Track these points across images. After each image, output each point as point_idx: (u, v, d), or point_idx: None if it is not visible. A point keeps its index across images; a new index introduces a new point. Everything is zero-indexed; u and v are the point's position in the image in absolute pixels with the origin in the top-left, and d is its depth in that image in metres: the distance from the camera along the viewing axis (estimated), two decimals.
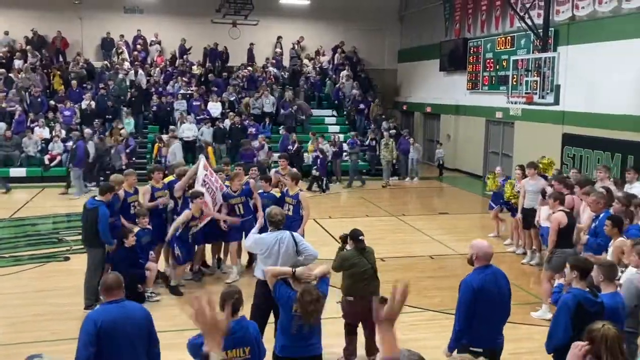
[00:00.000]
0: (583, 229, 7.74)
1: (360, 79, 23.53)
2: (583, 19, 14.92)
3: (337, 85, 22.95)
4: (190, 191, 8.56)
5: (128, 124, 18.86)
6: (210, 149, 17.20)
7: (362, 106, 21.85)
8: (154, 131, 19.26)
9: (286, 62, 24.45)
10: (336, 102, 22.81)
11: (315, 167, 17.24)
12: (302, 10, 23.94)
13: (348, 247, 6.40)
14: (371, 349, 6.29)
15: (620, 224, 6.58)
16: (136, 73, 20.92)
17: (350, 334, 6.41)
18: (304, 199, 8.69)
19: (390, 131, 19.72)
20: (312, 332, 4.89)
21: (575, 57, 14.85)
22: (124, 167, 15.27)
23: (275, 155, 14.95)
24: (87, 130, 17.00)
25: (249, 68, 22.96)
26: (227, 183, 9.26)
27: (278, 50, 24.41)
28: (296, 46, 24.50)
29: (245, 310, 4.60)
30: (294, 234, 6.09)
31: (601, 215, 7.20)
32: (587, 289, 4.66)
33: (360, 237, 6.26)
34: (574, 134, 15.05)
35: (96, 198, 7.89)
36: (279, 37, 24.62)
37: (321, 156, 17.25)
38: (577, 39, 14.99)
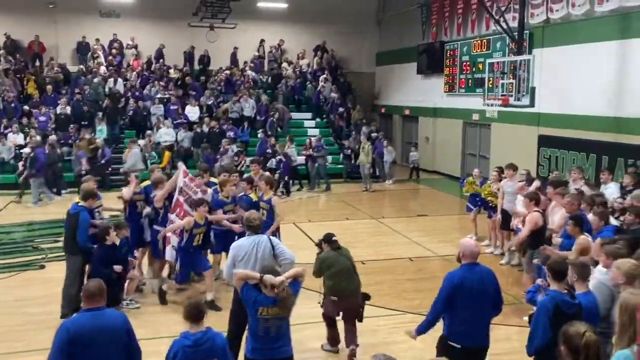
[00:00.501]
0: (555, 230, 7.83)
1: (339, 83, 23.60)
2: (557, 22, 15.15)
3: (317, 89, 23.00)
4: (192, 199, 8.42)
5: (101, 131, 18.60)
6: (167, 154, 16.92)
7: (341, 109, 21.91)
8: (131, 136, 19.06)
9: (266, 65, 24.43)
10: (316, 105, 22.85)
11: (278, 170, 17.15)
12: (280, 13, 23.93)
13: (325, 250, 6.68)
14: (350, 341, 6.52)
15: (581, 223, 6.72)
16: (115, 81, 20.51)
17: (332, 325, 6.74)
18: (277, 203, 8.71)
19: (372, 134, 19.82)
20: (280, 335, 4.92)
21: (550, 59, 15.07)
22: (83, 172, 14.89)
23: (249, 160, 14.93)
24: (52, 137, 16.76)
25: (227, 72, 22.87)
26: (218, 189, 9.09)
27: (256, 53, 24.33)
28: (274, 50, 24.47)
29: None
30: (272, 238, 6.09)
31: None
32: (565, 290, 4.73)
33: (334, 239, 6.63)
34: (549, 135, 15.26)
35: (79, 204, 7.78)
36: (262, 41, 24.60)
37: (284, 160, 17.20)
38: (552, 42, 15.22)
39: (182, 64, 23.14)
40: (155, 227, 8.59)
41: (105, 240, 7.54)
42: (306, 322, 6.98)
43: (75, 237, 7.55)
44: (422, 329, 5.20)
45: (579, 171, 10.26)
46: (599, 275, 5.42)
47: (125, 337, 4.32)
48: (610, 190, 9.62)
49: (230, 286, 6.88)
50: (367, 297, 6.73)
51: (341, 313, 6.59)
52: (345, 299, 6.42)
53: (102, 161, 16.90)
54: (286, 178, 17.20)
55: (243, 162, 17.11)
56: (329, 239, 6.65)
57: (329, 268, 6.46)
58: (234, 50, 23.85)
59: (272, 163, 17.64)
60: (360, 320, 6.59)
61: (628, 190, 9.60)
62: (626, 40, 12.99)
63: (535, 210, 7.87)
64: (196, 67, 23.60)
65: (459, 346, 4.93)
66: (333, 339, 6.77)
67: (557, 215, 7.93)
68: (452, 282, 5.00)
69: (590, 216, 7.26)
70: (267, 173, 10.33)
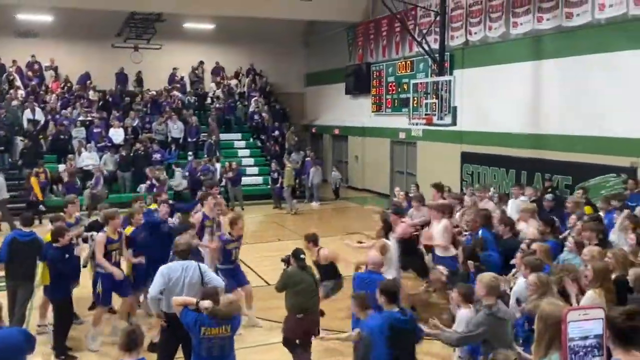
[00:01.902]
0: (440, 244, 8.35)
1: (274, 109, 23.56)
2: (476, 44, 15.84)
3: (250, 110, 22.91)
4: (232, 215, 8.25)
5: None
6: (33, 179, 16.01)
7: (276, 133, 21.84)
8: (51, 161, 18.23)
9: (195, 86, 24.14)
10: (250, 126, 22.74)
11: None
12: (207, 33, 23.75)
13: (292, 266, 6.68)
14: None
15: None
16: (33, 111, 19.13)
17: (295, 349, 6.51)
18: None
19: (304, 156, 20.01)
20: (223, 355, 4.98)
21: (469, 79, 15.70)
22: None
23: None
24: None
25: (153, 92, 22.40)
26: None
27: (180, 74, 24.00)
28: (197, 70, 24.33)
29: None
30: (200, 264, 5.99)
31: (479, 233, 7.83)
32: (397, 309, 5.12)
33: (302, 256, 6.61)
34: (471, 152, 15.84)
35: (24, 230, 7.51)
36: (201, 62, 24.57)
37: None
38: (471, 63, 15.88)
39: (106, 86, 22.44)
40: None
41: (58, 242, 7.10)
42: (250, 346, 6.90)
43: (33, 262, 7.39)
44: None
45: (485, 191, 10.82)
46: (518, 287, 5.63)
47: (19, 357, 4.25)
48: (516, 204, 10.16)
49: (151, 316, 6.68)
50: (322, 314, 6.90)
51: (300, 337, 6.46)
52: (310, 316, 6.42)
53: None
54: None
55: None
56: (297, 255, 6.56)
57: (296, 285, 6.38)
58: (174, 71, 23.67)
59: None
60: (316, 336, 6.58)
61: (532, 201, 10.24)
62: (539, 61, 13.75)
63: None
64: (131, 87, 23.09)
65: None
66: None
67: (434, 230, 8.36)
68: None
69: None
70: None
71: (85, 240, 8.03)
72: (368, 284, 6.03)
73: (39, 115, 19.23)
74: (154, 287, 5.67)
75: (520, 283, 5.72)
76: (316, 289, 6.66)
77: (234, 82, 24.42)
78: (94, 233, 7.83)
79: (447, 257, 8.02)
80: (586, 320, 3.45)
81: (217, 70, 24.85)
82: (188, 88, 23.75)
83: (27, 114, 19.06)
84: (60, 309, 7.12)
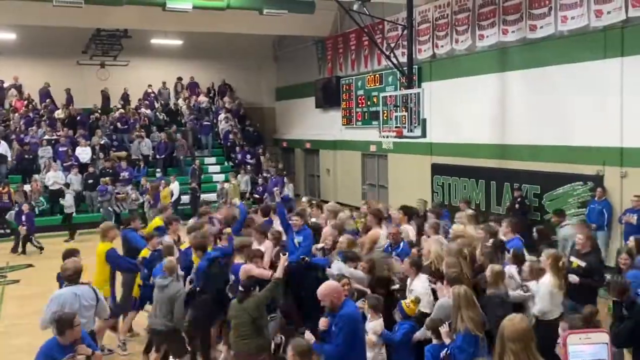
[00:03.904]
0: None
1: (249, 133, 23.30)
2: (443, 57, 16.00)
3: (221, 127, 22.71)
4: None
5: None
6: None
7: (248, 157, 21.54)
8: (16, 181, 17.76)
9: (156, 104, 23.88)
10: (224, 147, 22.53)
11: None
12: (175, 49, 23.56)
13: None
14: None
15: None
16: None
17: None
18: None
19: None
20: None
21: (438, 92, 15.84)
22: None
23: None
24: None
25: (121, 110, 22.08)
26: None
27: (149, 90, 23.73)
28: (177, 86, 24.20)
29: None
30: (95, 288, 5.95)
31: None
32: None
33: None
34: (441, 163, 15.94)
35: None
36: (179, 78, 24.47)
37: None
38: (439, 76, 16.03)
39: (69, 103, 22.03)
40: None
41: None
42: None
43: None
44: None
45: (424, 204, 10.95)
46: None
47: None
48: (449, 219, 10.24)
49: None
50: None
51: None
52: None
53: None
54: None
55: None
56: None
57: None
58: (149, 89, 23.49)
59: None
60: None
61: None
62: (504, 72, 13.95)
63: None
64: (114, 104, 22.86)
65: None
66: None
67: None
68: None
69: None
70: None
71: None
72: None
73: (3, 149, 18.38)
74: (46, 316, 5.50)
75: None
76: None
77: (203, 98, 24.17)
78: None
79: None
80: (589, 345, 3.31)
81: (193, 86, 24.68)
82: (157, 105, 23.47)
83: None
84: None
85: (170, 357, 6.88)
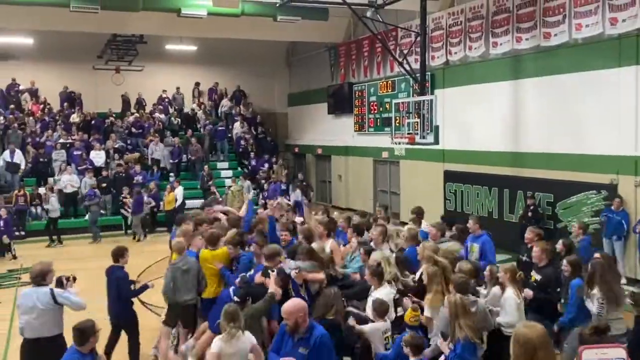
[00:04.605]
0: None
1: (265, 141, 23.26)
2: (456, 64, 16.00)
3: (235, 132, 22.81)
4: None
5: None
6: None
7: (265, 166, 21.44)
8: (31, 184, 17.98)
9: (180, 108, 24.08)
10: (236, 152, 22.60)
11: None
12: (189, 55, 23.76)
13: None
14: None
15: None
16: (13, 153, 18.22)
17: None
18: None
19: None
20: None
21: (451, 99, 15.84)
22: None
23: None
24: None
25: (136, 115, 22.27)
26: None
27: (163, 95, 23.92)
28: (194, 91, 24.49)
29: None
30: (55, 289, 6.05)
31: None
32: None
33: None
34: (454, 170, 15.90)
35: None
36: (197, 83, 24.63)
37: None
38: (452, 83, 16.03)
39: (86, 108, 22.24)
40: None
41: None
42: None
43: None
44: None
45: (383, 211, 10.81)
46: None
47: None
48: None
49: None
50: None
51: None
52: None
53: None
54: None
55: None
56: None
57: None
58: (163, 93, 23.75)
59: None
60: None
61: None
62: (518, 80, 13.91)
63: None
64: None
65: None
66: None
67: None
68: None
69: None
70: None
71: None
72: None
73: (18, 158, 18.30)
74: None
75: None
76: None
77: (227, 102, 24.22)
78: None
79: None
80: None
81: (210, 91, 24.91)
82: (171, 110, 23.66)
83: (6, 155, 18.25)
84: None
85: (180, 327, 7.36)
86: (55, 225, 16.43)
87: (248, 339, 5.15)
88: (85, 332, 4.91)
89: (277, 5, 15.66)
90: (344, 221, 9.23)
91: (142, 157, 20.06)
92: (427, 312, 6.00)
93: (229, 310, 5.14)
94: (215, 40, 21.55)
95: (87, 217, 17.11)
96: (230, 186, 19.05)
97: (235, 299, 5.92)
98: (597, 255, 6.62)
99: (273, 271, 6.31)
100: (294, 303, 5.10)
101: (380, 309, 5.87)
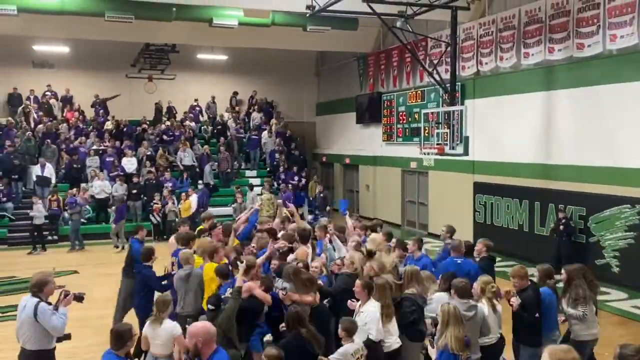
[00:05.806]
0: None
1: (295, 156, 23.00)
2: (487, 74, 15.85)
3: (264, 142, 22.94)
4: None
5: None
6: None
7: (296, 179, 21.34)
8: (64, 189, 18.36)
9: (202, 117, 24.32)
10: (270, 167, 22.60)
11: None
12: (220, 64, 24.08)
13: None
14: None
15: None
16: (43, 167, 18.26)
17: None
18: None
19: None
20: None
21: (481, 109, 15.68)
22: None
23: None
24: None
25: (167, 123, 22.60)
26: None
27: (194, 103, 24.21)
28: (232, 101, 24.81)
29: None
30: (41, 304, 5.65)
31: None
32: None
33: None
34: (484, 182, 15.71)
35: None
36: (235, 92, 24.95)
37: None
38: (482, 93, 15.88)
39: (119, 115, 22.62)
40: None
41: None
42: None
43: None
44: None
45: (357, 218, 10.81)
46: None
47: None
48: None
49: None
50: None
51: None
52: None
53: None
54: None
55: None
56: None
57: None
58: (195, 103, 24.03)
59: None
60: None
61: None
62: (550, 91, 13.72)
63: None
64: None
65: None
66: None
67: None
68: None
69: None
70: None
71: None
72: None
73: (49, 172, 18.34)
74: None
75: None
76: None
77: (257, 115, 24.24)
78: None
79: None
80: None
81: (250, 100, 25.20)
82: (202, 118, 23.93)
83: (36, 169, 18.27)
84: None
85: None
86: (40, 232, 16.14)
87: (173, 327, 5.73)
88: (123, 335, 4.90)
89: (307, 15, 15.78)
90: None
91: (168, 160, 20.25)
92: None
93: (159, 300, 5.89)
94: (246, 50, 21.79)
95: (69, 225, 16.65)
96: (260, 194, 19.07)
97: (210, 307, 6.01)
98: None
99: (242, 262, 6.42)
100: (198, 326, 4.77)
101: (350, 329, 5.44)
